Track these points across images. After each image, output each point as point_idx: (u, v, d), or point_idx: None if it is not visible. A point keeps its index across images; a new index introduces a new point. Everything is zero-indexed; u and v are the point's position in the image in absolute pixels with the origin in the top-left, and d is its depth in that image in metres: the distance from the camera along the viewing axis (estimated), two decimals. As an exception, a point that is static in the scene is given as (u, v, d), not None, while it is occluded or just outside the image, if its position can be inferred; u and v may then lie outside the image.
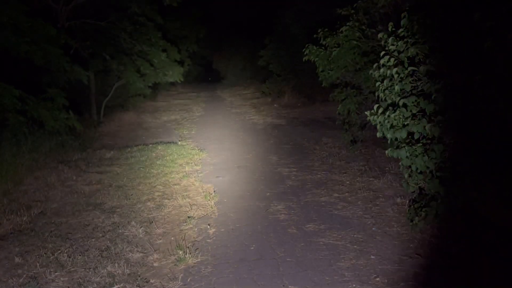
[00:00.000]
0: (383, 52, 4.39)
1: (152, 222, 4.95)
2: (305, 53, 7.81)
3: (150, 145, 9.56)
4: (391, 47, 4.32)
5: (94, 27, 12.16)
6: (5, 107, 7.80)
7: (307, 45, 7.82)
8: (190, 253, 4.07)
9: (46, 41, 8.85)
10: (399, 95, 4.17)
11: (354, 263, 3.76)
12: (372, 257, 3.87)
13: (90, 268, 3.86)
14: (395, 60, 4.21)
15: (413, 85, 4.14)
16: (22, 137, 7.98)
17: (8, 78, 8.05)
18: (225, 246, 4.25)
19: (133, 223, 4.90)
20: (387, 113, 4.19)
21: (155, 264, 3.94)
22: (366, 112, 4.65)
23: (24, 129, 8.09)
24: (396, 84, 4.16)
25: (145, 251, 4.19)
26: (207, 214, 5.17)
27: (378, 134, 4.44)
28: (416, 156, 4.04)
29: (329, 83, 8.07)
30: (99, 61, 12.92)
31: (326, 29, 7.66)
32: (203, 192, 5.99)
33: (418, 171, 4.15)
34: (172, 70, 14.00)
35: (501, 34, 2.87)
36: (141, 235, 4.58)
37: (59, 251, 4.21)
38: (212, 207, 5.37)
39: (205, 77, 39.91)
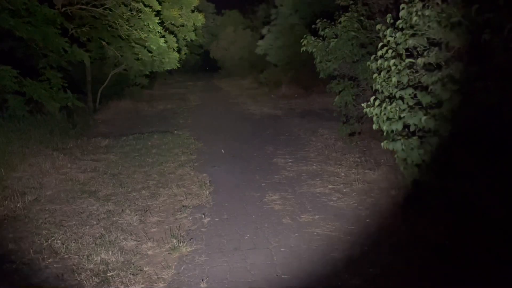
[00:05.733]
0: (381, 44, 4.37)
1: (146, 210, 4.95)
2: (303, 44, 7.77)
3: (146, 134, 9.53)
4: (389, 38, 4.30)
5: (90, 13, 12.02)
6: (4, 89, 7.79)
7: (305, 35, 7.77)
8: (184, 242, 4.07)
9: (43, 23, 8.78)
10: (396, 87, 4.16)
11: (347, 254, 3.78)
12: (366, 248, 3.89)
13: (83, 255, 3.86)
14: (393, 52, 4.19)
15: (410, 77, 4.13)
16: (22, 119, 7.99)
17: (5, 62, 8.02)
18: (219, 236, 4.26)
19: (127, 211, 4.89)
20: (384, 105, 4.18)
21: (149, 252, 3.94)
22: (362, 104, 4.64)
23: (25, 109, 8.09)
24: (393, 76, 4.15)
25: (139, 239, 4.19)
26: (202, 203, 5.17)
27: (374, 126, 4.44)
28: (412, 148, 4.04)
29: (326, 74, 8.04)
30: (96, 47, 12.80)
31: (325, 20, 7.61)
32: (198, 181, 5.98)
33: (414, 163, 4.15)
34: (169, 57, 13.91)
35: (499, 26, 2.86)
36: (135, 223, 4.58)
37: (53, 238, 4.21)
38: (207, 197, 5.37)
39: (202, 66, 39.66)
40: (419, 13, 3.94)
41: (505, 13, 2.80)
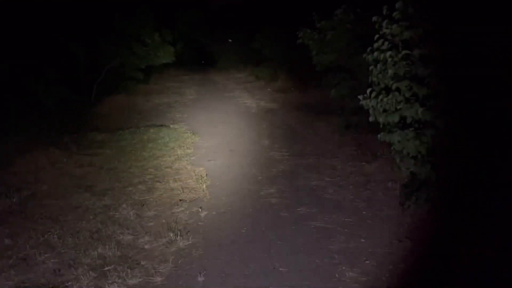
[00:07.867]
0: (377, 36, 4.35)
1: (143, 204, 4.94)
2: (299, 36, 7.73)
3: (142, 128, 9.49)
4: (385, 30, 4.27)
5: (84, 7, 11.92)
6: (0, 84, 7.76)
7: (301, 28, 7.74)
8: (182, 236, 4.07)
9: (38, 16, 8.73)
10: (392, 79, 4.15)
11: (344, 246, 3.79)
12: (362, 240, 3.90)
13: (80, 250, 3.85)
14: (389, 44, 4.17)
15: (407, 69, 4.11)
16: (19, 113, 7.97)
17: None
18: (217, 229, 4.26)
19: (124, 205, 4.88)
20: (380, 97, 4.17)
21: (146, 246, 3.93)
22: (359, 97, 4.62)
23: (22, 104, 8.06)
24: (390, 68, 4.14)
25: (136, 234, 4.18)
26: (199, 197, 5.16)
27: (371, 118, 4.43)
28: (408, 140, 4.04)
29: (322, 67, 8.02)
30: (91, 41, 12.71)
31: (321, 12, 7.58)
32: (195, 175, 5.97)
33: (410, 155, 4.15)
34: (163, 50, 13.83)
35: (498, 17, 2.85)
36: (132, 218, 4.57)
37: (49, 233, 4.20)
38: (204, 190, 5.36)
39: (198, 60, 39.47)
40: (416, 4, 3.92)
41: (504, 3, 2.79)
